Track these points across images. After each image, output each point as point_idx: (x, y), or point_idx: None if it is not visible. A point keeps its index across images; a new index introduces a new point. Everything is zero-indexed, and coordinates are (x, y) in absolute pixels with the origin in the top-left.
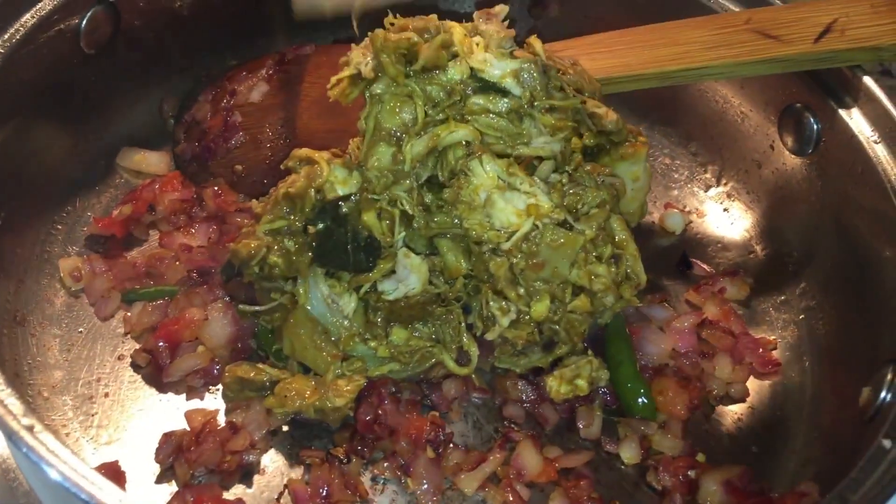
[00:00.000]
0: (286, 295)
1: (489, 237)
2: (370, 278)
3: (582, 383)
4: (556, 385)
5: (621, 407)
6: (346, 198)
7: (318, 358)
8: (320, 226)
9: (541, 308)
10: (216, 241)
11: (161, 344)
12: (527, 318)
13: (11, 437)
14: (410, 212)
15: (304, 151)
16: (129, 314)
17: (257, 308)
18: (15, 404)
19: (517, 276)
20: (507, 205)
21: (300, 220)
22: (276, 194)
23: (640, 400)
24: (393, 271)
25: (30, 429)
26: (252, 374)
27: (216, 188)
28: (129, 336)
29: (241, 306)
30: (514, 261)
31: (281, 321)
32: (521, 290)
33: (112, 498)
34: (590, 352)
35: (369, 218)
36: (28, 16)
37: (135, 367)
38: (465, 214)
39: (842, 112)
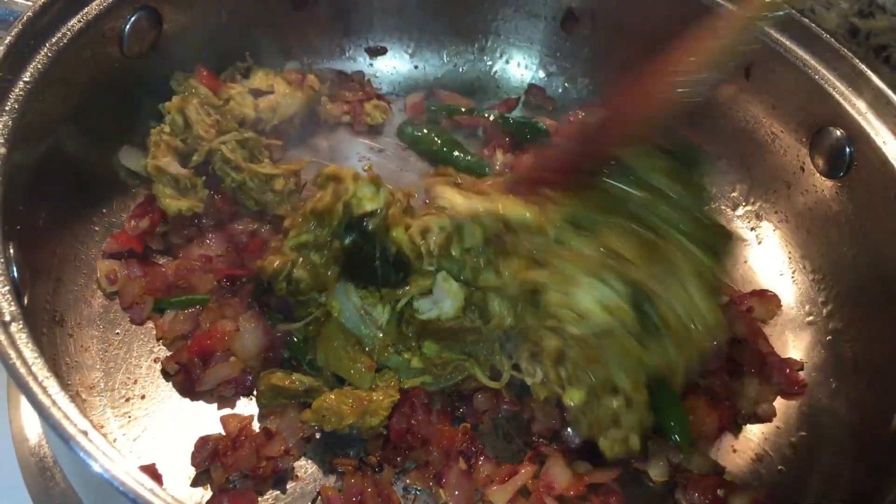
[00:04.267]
0: (321, 307)
1: (563, 315)
2: (408, 293)
3: (634, 439)
4: (608, 447)
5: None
6: (371, 214)
7: (353, 369)
8: (348, 240)
9: (575, 396)
10: (233, 249)
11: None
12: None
13: (69, 443)
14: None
15: (331, 169)
16: (161, 321)
17: (294, 325)
18: (70, 408)
19: (564, 357)
20: (593, 290)
21: (328, 235)
22: (304, 210)
23: (674, 436)
24: (430, 291)
25: (84, 433)
26: (286, 383)
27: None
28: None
29: (278, 325)
30: (571, 343)
31: (314, 332)
32: (563, 373)
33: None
34: None
35: (398, 234)
36: (75, 20)
37: (166, 374)
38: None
39: (875, 136)
